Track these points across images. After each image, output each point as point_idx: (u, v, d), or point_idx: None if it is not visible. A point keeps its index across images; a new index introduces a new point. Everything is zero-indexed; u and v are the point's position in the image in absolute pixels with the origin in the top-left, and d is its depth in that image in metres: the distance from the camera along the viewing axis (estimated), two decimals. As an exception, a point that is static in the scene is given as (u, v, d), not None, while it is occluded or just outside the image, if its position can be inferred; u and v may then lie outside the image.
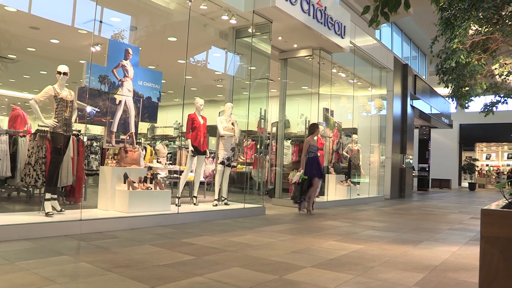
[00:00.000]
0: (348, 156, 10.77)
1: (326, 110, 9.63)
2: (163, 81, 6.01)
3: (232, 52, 7.83)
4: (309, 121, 8.99)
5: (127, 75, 5.45)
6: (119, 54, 5.35)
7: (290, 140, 10.51)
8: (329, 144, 9.70)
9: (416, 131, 19.14)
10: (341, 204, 9.16)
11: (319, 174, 7.12)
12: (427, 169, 19.59)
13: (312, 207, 7.25)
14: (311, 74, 9.12)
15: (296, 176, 7.11)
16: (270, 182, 9.64)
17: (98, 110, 5.18)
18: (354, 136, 11.02)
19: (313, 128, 7.25)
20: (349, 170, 10.80)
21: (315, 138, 7.26)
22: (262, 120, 8.73)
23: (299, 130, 11.40)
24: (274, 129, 9.80)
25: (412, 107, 14.38)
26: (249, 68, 7.75)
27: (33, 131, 5.89)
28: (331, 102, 9.78)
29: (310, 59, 8.95)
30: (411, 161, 14.51)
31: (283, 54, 9.17)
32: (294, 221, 6.28)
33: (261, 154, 8.48)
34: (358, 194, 10.68)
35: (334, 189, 9.71)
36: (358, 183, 11.05)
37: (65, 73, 4.64)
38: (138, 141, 6.35)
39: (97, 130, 8.25)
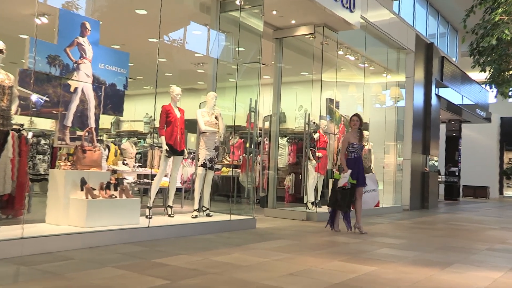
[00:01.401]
0: (358, 157, 10.74)
1: (331, 101, 9.64)
2: (130, 64, 5.95)
3: (216, 30, 7.78)
4: (309, 114, 8.98)
5: (84, 55, 5.36)
6: (73, 29, 5.25)
7: (287, 138, 10.50)
8: (333, 142, 9.69)
9: (442, 127, 18.87)
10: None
11: (363, 181, 6.84)
12: (457, 174, 19.40)
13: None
14: (312, 57, 9.11)
15: (343, 179, 6.63)
16: (262, 188, 9.63)
17: (47, 99, 5.08)
18: (365, 132, 10.96)
19: (356, 121, 6.90)
20: (359, 174, 10.79)
21: (356, 134, 6.86)
22: (252, 113, 8.69)
23: (297, 126, 11.42)
24: (267, 124, 9.80)
25: (438, 96, 14.40)
26: (237, 49, 7.72)
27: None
28: (336, 91, 9.78)
29: (311, 39, 8.95)
30: (436, 163, 14.59)
31: (278, 33, 9.14)
32: (291, 236, 6.28)
33: (251, 155, 8.45)
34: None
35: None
36: (370, 190, 11.05)
37: (0, 51, 4.50)
38: (99, 138, 6.25)
39: (45, 124, 8.13)
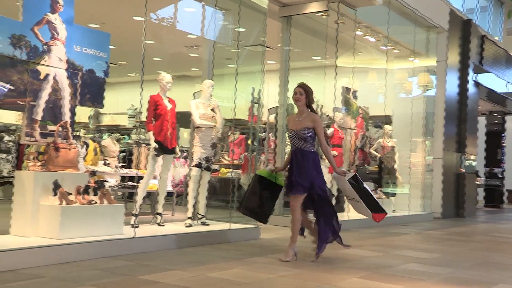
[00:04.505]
0: (378, 155, 10.79)
1: (347, 90, 9.66)
2: (111, 46, 5.91)
3: (212, 6, 7.75)
4: (321, 106, 8.96)
5: (56, 36, 5.32)
6: (41, 4, 5.19)
7: None
8: (350, 138, 9.64)
9: (482, 120, 18.61)
10: (368, 225, 9.14)
11: (302, 187, 5.41)
12: (500, 176, 19.14)
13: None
14: (326, 38, 9.09)
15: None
16: None
17: (12, 87, 5.03)
18: (387, 127, 11.03)
19: (300, 94, 5.47)
20: (380, 176, 10.85)
21: (298, 117, 5.48)
22: (255, 105, 8.69)
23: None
24: (272, 117, 9.82)
25: (477, 84, 14.25)
26: (237, 30, 7.68)
27: None
28: (353, 78, 9.73)
29: (324, 17, 8.94)
30: (473, 163, 14.47)
31: (286, 10, 9.11)
32: (300, 248, 6.18)
33: (254, 153, 8.41)
34: (393, 211, 10.71)
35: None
36: (394, 194, 11.09)
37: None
38: (75, 134, 6.22)
39: (9, 117, 8.09)
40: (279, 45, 9.41)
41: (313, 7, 8.87)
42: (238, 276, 4.37)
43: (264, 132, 10.05)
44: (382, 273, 4.84)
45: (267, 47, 8.82)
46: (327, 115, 9.23)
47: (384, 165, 10.82)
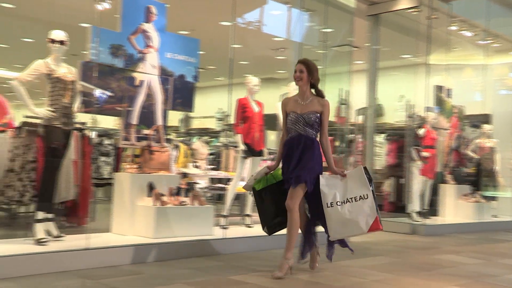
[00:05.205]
0: (476, 157, 10.28)
1: (440, 88, 9.38)
2: (201, 52, 6.04)
3: (298, 8, 7.74)
4: (412, 105, 8.70)
5: (150, 44, 5.53)
6: (137, 14, 5.43)
7: (385, 135, 10.39)
8: (444, 139, 9.28)
9: None
10: (465, 230, 8.76)
11: (299, 179, 4.45)
12: None
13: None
14: (417, 35, 8.79)
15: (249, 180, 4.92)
16: None
17: (111, 94, 5.29)
18: (486, 126, 10.49)
19: (300, 72, 4.55)
20: (478, 178, 10.35)
21: (300, 97, 4.63)
22: (343, 106, 8.60)
23: (397, 120, 11.18)
24: (361, 118, 9.67)
25: None
26: (323, 30, 7.63)
27: (17, 124, 6.12)
28: (447, 76, 9.36)
29: (415, 13, 8.66)
30: None
31: (374, 8, 8.96)
32: (392, 252, 6.11)
33: (342, 155, 8.31)
34: (494, 216, 10.18)
35: (454, 207, 9.35)
36: (494, 198, 10.48)
37: (61, 42, 4.75)
38: (167, 137, 6.45)
39: (108, 122, 8.52)
40: (367, 44, 9.25)
41: (404, 4, 8.69)
42: (328, 279, 4.31)
43: (352, 133, 9.92)
44: (485, 282, 4.58)
45: (355, 47, 8.71)
46: (419, 115, 8.98)
47: (482, 167, 10.31)
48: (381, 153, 10.20)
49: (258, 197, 4.69)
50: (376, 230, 4.33)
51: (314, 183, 4.35)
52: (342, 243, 4.56)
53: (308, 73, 4.49)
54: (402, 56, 10.90)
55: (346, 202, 4.31)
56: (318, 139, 4.56)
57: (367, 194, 4.29)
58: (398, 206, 9.89)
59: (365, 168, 4.49)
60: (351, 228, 4.30)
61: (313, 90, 4.59)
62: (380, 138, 10.18)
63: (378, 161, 9.86)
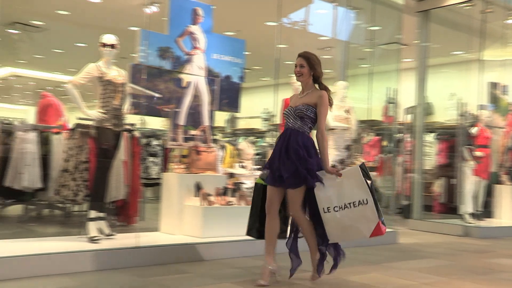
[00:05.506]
0: (533, 156, 9.87)
1: (494, 85, 9.08)
2: (246, 53, 6.09)
3: (345, 6, 7.68)
4: (464, 103, 8.47)
5: (197, 45, 5.62)
6: (184, 17, 5.51)
7: (435, 134, 10.18)
8: (499, 138, 9.05)
9: None
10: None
11: (294, 180, 4.03)
12: None
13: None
14: (469, 31, 8.54)
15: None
16: (404, 195, 9.45)
17: (160, 95, 5.41)
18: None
19: (300, 67, 4.26)
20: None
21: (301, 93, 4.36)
22: (391, 105, 8.48)
23: (448, 118, 10.90)
24: (410, 117, 9.54)
25: None
26: (370, 28, 7.54)
27: (70, 126, 6.35)
28: (502, 72, 9.05)
29: (467, 8, 8.40)
30: None
31: (423, 4, 8.77)
32: (444, 255, 5.98)
33: (390, 155, 8.18)
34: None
35: (510, 208, 9.02)
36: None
37: (112, 46, 4.90)
38: (214, 138, 6.52)
39: (156, 123, 8.68)
40: (416, 41, 9.07)
41: (455, -2, 8.47)
42: (377, 281, 4.27)
43: (401, 133, 9.78)
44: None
45: (403, 44, 8.55)
46: (471, 113, 8.74)
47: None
48: (431, 153, 10.01)
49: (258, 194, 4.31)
50: (378, 235, 3.98)
51: (299, 181, 3.94)
52: (335, 258, 4.17)
53: (309, 68, 4.16)
54: (453, 53, 10.64)
55: (344, 208, 3.96)
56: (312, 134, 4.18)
57: (366, 199, 3.92)
58: (449, 207, 9.70)
59: (362, 167, 4.06)
60: (351, 234, 4.06)
61: (316, 86, 4.23)
62: (430, 138, 9.99)
63: (427, 160, 9.68)
